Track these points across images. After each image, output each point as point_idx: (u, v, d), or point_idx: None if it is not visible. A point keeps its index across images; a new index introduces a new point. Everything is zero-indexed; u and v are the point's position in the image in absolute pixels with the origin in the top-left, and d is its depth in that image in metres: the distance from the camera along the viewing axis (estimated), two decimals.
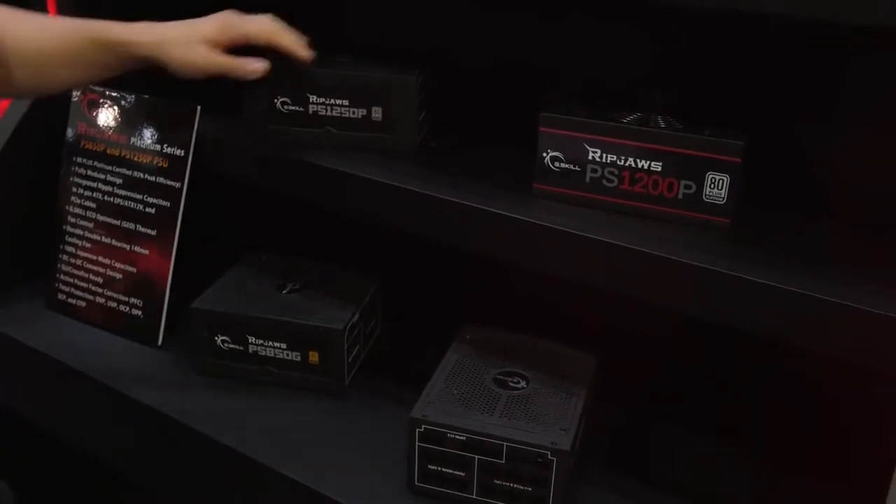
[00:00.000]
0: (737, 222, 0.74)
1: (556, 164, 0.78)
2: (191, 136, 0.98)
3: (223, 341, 0.96)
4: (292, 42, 0.85)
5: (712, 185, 0.73)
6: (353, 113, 0.87)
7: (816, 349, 0.67)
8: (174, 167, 0.99)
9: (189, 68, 0.82)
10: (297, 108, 0.89)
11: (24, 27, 0.81)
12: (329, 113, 0.88)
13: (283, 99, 0.89)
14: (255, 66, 0.84)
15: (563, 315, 0.92)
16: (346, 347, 0.95)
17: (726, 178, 0.72)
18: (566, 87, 0.90)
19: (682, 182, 0.73)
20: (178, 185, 0.99)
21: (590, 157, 0.76)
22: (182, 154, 0.98)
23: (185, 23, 0.84)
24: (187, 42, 0.82)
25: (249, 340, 0.96)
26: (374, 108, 0.87)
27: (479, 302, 1.01)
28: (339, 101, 0.87)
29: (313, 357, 0.95)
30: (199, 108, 0.97)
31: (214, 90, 1.01)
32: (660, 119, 0.77)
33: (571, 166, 0.77)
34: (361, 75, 0.87)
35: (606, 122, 0.75)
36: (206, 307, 0.96)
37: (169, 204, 0.99)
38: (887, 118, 0.80)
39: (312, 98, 0.88)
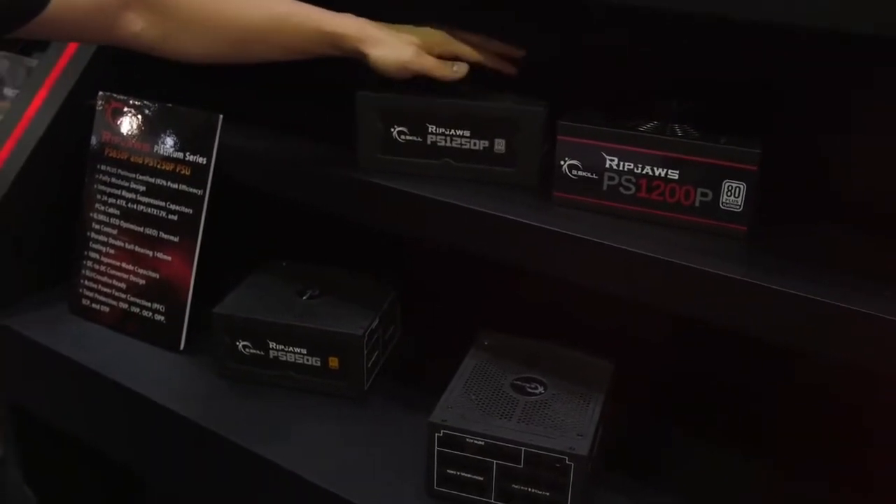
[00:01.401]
0: (754, 229, 0.74)
1: (574, 172, 0.79)
2: (213, 144, 1.00)
3: (244, 346, 0.98)
4: (500, 62, 0.86)
5: (729, 193, 0.73)
6: (475, 144, 0.85)
7: (834, 356, 0.68)
8: (196, 175, 1.01)
9: (392, 66, 0.82)
10: (414, 138, 0.86)
11: (233, 3, 0.83)
12: (448, 144, 0.85)
13: (400, 128, 0.86)
14: (461, 69, 0.83)
15: (581, 321, 0.92)
16: (365, 353, 0.96)
17: (743, 186, 0.73)
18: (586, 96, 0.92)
19: (699, 190, 0.74)
20: (200, 192, 1.01)
21: (607, 166, 0.77)
22: (204, 162, 1.00)
23: (396, 27, 0.85)
24: (399, 43, 0.82)
25: (270, 346, 0.97)
26: (496, 141, 0.84)
27: (497, 308, 1.02)
28: (459, 132, 0.85)
29: (333, 362, 0.96)
30: (221, 116, 0.99)
31: (233, 99, 1.04)
32: (677, 127, 0.78)
33: (589, 174, 0.78)
34: (486, 106, 0.84)
35: (623, 130, 0.76)
36: (227, 313, 0.98)
37: (191, 211, 1.01)
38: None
39: (431, 128, 0.85)
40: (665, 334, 0.93)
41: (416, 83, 0.85)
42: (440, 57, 0.84)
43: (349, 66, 0.86)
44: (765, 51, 0.85)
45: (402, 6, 0.86)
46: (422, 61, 0.82)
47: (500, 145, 0.84)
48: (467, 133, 0.84)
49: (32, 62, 1.26)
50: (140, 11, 0.81)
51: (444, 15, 0.88)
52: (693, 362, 0.95)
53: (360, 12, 0.85)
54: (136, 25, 0.81)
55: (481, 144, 0.84)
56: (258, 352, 0.98)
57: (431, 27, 0.86)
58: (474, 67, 0.85)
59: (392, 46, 0.82)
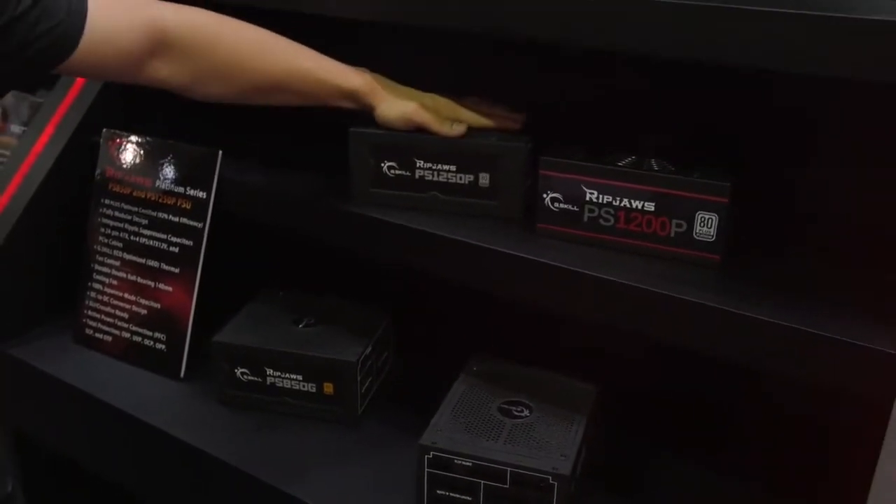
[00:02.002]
0: (727, 258, 0.77)
1: (556, 204, 0.82)
2: (213, 179, 1.03)
3: (242, 373, 1.00)
4: (503, 120, 0.90)
5: (702, 224, 0.77)
6: (461, 179, 0.88)
7: (805, 379, 0.70)
8: (197, 209, 1.04)
9: (394, 118, 0.87)
10: (403, 173, 0.89)
11: (251, 49, 0.88)
12: (436, 178, 0.88)
13: (390, 163, 0.89)
14: (459, 130, 0.88)
15: (566, 346, 0.95)
16: (359, 379, 0.98)
17: (715, 217, 0.76)
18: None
19: (674, 221, 0.78)
20: (200, 225, 1.04)
21: (587, 198, 0.81)
22: (204, 196, 1.04)
23: (404, 89, 0.90)
24: (401, 98, 0.88)
25: (267, 372, 1.00)
26: (481, 175, 0.87)
27: (486, 335, 1.05)
28: (446, 167, 0.88)
29: (328, 388, 0.99)
30: (220, 152, 1.03)
31: (233, 135, 1.08)
32: (653, 162, 0.81)
33: (570, 206, 0.82)
34: (471, 142, 0.87)
35: (602, 165, 0.80)
36: (226, 341, 1.01)
37: (192, 243, 1.04)
38: (869, 156, 0.84)
39: (419, 163, 0.88)
40: (647, 358, 0.95)
41: None
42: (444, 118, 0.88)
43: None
44: (737, 88, 0.89)
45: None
46: (422, 115, 0.87)
47: (484, 179, 0.87)
48: (453, 168, 0.88)
49: (37, 99, 1.30)
50: (166, 60, 0.84)
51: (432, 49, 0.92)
52: (675, 384, 0.97)
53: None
54: (163, 72, 0.85)
55: (466, 178, 0.88)
56: (256, 378, 1.00)
57: (439, 94, 0.90)
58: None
59: (396, 102, 0.87)
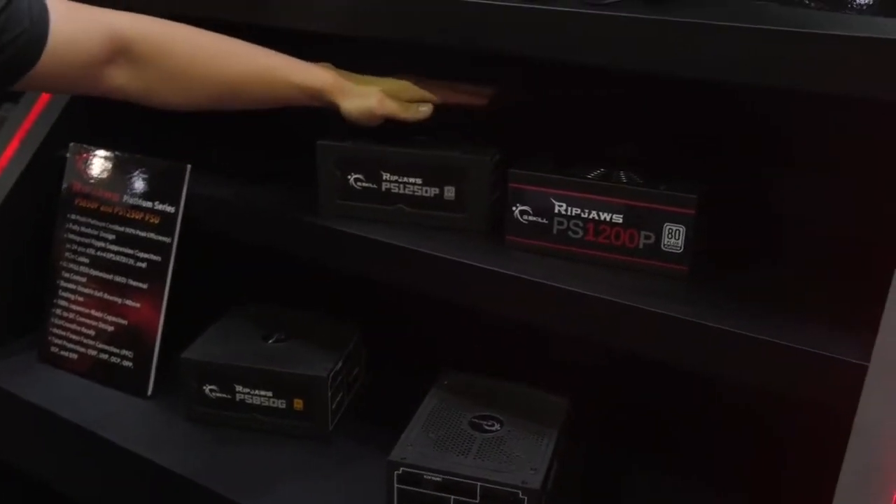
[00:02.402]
0: (695, 269, 0.77)
1: (525, 217, 0.82)
2: (181, 193, 1.02)
3: (211, 390, 0.99)
4: (469, 96, 0.89)
5: (670, 236, 0.77)
6: (426, 192, 0.87)
7: (770, 389, 0.71)
8: (165, 223, 1.03)
9: (360, 114, 0.86)
10: (370, 185, 0.89)
11: (207, 54, 0.87)
12: (402, 191, 0.88)
13: (356, 175, 0.89)
14: (425, 110, 0.87)
15: (537, 359, 0.95)
16: (329, 394, 0.97)
17: (682, 229, 0.76)
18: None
19: (642, 233, 0.78)
20: (168, 240, 1.02)
21: (556, 211, 0.81)
22: (172, 211, 1.02)
23: (365, 78, 0.89)
24: (363, 92, 0.87)
25: (237, 389, 0.99)
26: (446, 188, 0.87)
27: (456, 348, 1.05)
28: (412, 180, 0.88)
29: (298, 404, 0.98)
30: (189, 166, 1.02)
31: (200, 148, 1.07)
32: (622, 174, 0.81)
33: (539, 219, 0.82)
34: (436, 155, 0.87)
35: (570, 177, 0.80)
36: (194, 357, 0.99)
37: (160, 258, 1.03)
38: (838, 163, 0.85)
39: (386, 175, 0.88)
40: (620, 369, 0.95)
41: (376, 133, 0.89)
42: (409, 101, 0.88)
43: (310, 115, 0.90)
44: (706, 98, 0.89)
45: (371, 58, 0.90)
46: (385, 106, 0.86)
47: (449, 192, 0.87)
48: (419, 181, 0.87)
49: (1, 114, 1.28)
50: (122, 67, 0.84)
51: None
52: (649, 395, 0.97)
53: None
54: (120, 80, 0.84)
55: (432, 191, 0.87)
56: (225, 395, 0.99)
57: (398, 77, 0.89)
58: (442, 109, 0.88)
59: (359, 96, 0.86)
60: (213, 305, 1.10)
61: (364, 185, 0.89)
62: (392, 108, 0.87)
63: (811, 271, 0.81)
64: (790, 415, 0.85)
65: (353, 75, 0.89)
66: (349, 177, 0.89)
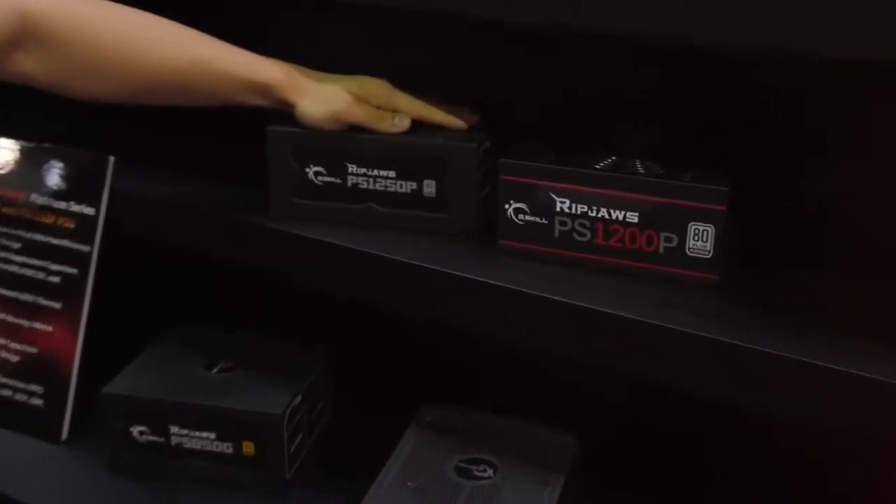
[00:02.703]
0: (727, 278, 0.77)
1: (521, 216, 0.82)
2: (103, 191, 1.02)
3: (140, 433, 0.99)
4: (444, 119, 0.89)
5: (696, 237, 0.77)
6: (401, 187, 0.87)
7: (823, 424, 0.70)
8: (83, 228, 1.02)
9: (321, 117, 0.87)
10: (333, 180, 0.89)
11: (137, 38, 0.86)
12: (372, 186, 0.88)
13: (316, 168, 0.89)
14: (402, 123, 0.88)
15: (538, 389, 0.95)
16: (286, 436, 0.97)
17: (711, 229, 0.76)
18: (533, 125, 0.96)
19: (662, 234, 0.77)
20: (87, 248, 1.02)
21: (558, 209, 0.80)
22: (92, 213, 1.02)
23: (328, 76, 0.89)
24: (328, 93, 0.87)
25: (171, 431, 0.98)
26: (425, 182, 0.87)
27: (440, 377, 1.05)
28: (383, 173, 0.87)
29: (248, 448, 0.98)
30: (112, 158, 1.02)
31: (127, 137, 1.06)
32: (637, 163, 0.81)
33: (537, 219, 0.81)
34: (413, 142, 0.86)
35: (574, 167, 0.80)
36: (119, 392, 0.99)
37: (76, 272, 1.02)
38: (888, 155, 0.85)
39: (352, 168, 0.89)
40: (636, 401, 0.95)
41: None
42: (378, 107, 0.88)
43: None
44: (739, 74, 0.89)
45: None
46: (355, 111, 0.86)
47: (429, 187, 0.87)
48: (392, 174, 0.87)
49: None
50: (31, 51, 0.84)
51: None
52: (671, 432, 0.97)
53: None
54: (26, 65, 0.84)
55: (408, 186, 0.87)
56: (158, 438, 0.99)
57: (368, 78, 0.89)
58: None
59: (323, 97, 0.86)
60: (144, 328, 1.10)
61: (326, 179, 0.89)
62: (362, 114, 0.87)
63: (860, 278, 0.80)
64: (838, 453, 0.85)
65: (313, 72, 0.89)
66: (307, 170, 0.89)
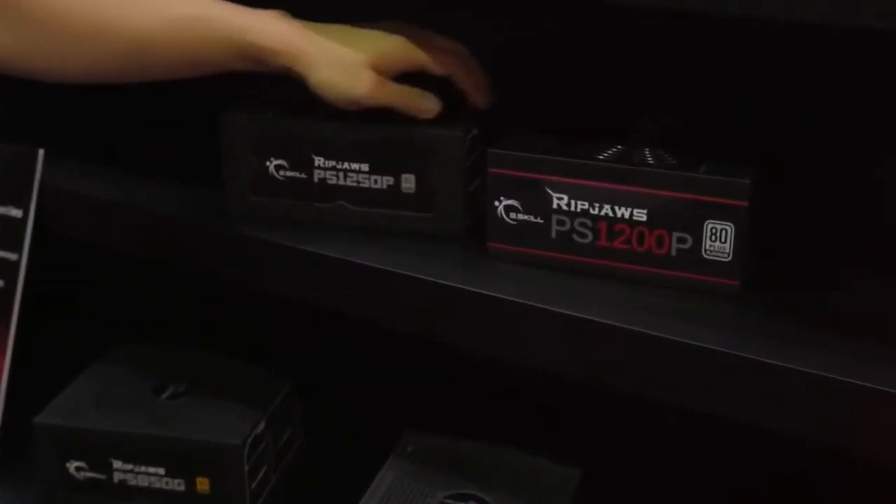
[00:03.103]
0: (749, 284, 0.77)
1: (513, 215, 0.82)
2: (31, 189, 1.01)
3: (78, 468, 0.98)
4: (475, 83, 0.88)
5: (713, 238, 0.76)
6: (376, 182, 0.88)
7: (863, 450, 0.70)
8: (8, 233, 1.02)
9: (340, 99, 0.83)
10: (297, 175, 0.88)
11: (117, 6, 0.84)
12: (342, 181, 0.88)
13: (277, 161, 0.89)
14: (430, 106, 0.85)
15: (535, 414, 0.95)
16: (247, 470, 0.97)
17: (730, 228, 0.75)
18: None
19: (675, 234, 0.77)
20: (14, 257, 1.02)
21: (555, 206, 0.80)
22: (20, 215, 1.01)
23: (343, 32, 0.85)
24: (349, 64, 0.83)
25: (114, 466, 0.98)
26: (403, 176, 0.87)
27: (425, 401, 1.05)
28: (355, 166, 0.87)
29: (202, 484, 0.98)
30: (41, 151, 1.01)
31: (60, 126, 1.06)
32: (647, 152, 0.81)
33: (531, 218, 0.81)
34: (388, 131, 0.86)
35: (573, 158, 0.79)
36: (52, 422, 0.99)
37: (2, 283, 1.02)
38: None
39: (319, 161, 0.88)
40: (648, 426, 0.95)
41: (304, 99, 0.88)
42: (404, 71, 0.85)
43: (218, 78, 0.90)
44: (770, 47, 0.89)
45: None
46: (379, 95, 0.83)
47: (408, 182, 0.86)
48: (365, 167, 0.87)
49: None
50: None
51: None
52: (688, 460, 0.97)
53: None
54: None
55: (385, 182, 0.87)
56: (98, 475, 0.98)
57: (389, 27, 0.86)
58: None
59: (340, 69, 0.83)
60: (83, 347, 1.10)
61: (289, 174, 0.89)
62: (389, 96, 0.84)
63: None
64: (874, 480, 0.85)
65: (322, 27, 0.85)
66: (268, 163, 0.89)
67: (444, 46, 0.88)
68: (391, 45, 0.85)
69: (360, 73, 0.83)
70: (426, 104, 0.85)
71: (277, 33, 0.83)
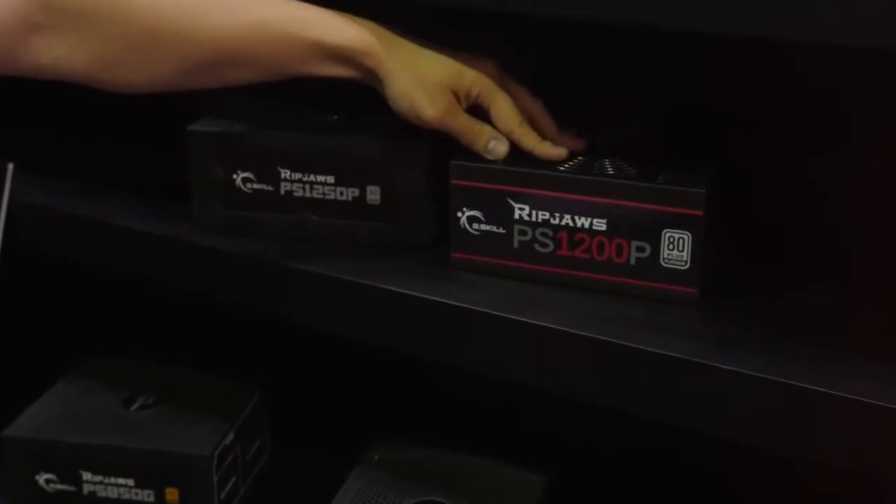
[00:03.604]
0: (707, 292, 0.78)
1: (476, 226, 0.82)
2: (0, 203, 1.01)
3: (48, 481, 0.98)
4: (537, 143, 0.84)
5: (671, 246, 0.77)
6: (342, 194, 0.88)
7: (820, 457, 0.71)
8: None
9: (417, 113, 0.81)
10: (264, 187, 0.88)
11: (183, 5, 0.80)
12: (308, 194, 0.88)
13: (244, 174, 0.88)
14: (499, 150, 0.83)
15: (500, 423, 0.95)
16: (216, 480, 0.97)
17: (687, 237, 0.76)
18: None
19: (634, 244, 0.78)
20: None
21: (516, 216, 0.80)
22: None
23: (428, 50, 0.83)
24: (431, 83, 0.81)
25: (84, 478, 0.98)
26: (369, 188, 0.87)
27: (392, 411, 1.05)
28: (321, 178, 0.87)
29: (172, 495, 0.97)
30: (11, 165, 1.01)
31: (30, 139, 1.06)
32: (607, 164, 0.82)
33: (494, 228, 0.81)
34: (354, 143, 0.86)
35: (533, 169, 0.80)
36: (21, 435, 0.98)
37: None
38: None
39: (285, 173, 0.88)
40: (612, 434, 0.96)
41: (270, 112, 0.88)
42: (472, 101, 0.84)
43: (185, 92, 0.89)
44: (728, 62, 0.90)
45: None
46: (449, 121, 0.82)
47: (373, 194, 0.87)
48: (331, 179, 0.87)
49: None
50: (55, 36, 0.79)
51: None
52: (650, 469, 0.98)
53: None
54: (51, 53, 0.79)
55: (350, 193, 0.87)
56: (67, 487, 0.98)
57: (475, 61, 0.85)
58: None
59: (419, 85, 0.81)
60: (51, 362, 1.09)
61: (255, 186, 0.89)
62: (457, 126, 0.82)
63: (855, 288, 0.81)
64: (834, 485, 0.86)
65: (408, 41, 0.83)
66: (235, 176, 0.89)
67: (516, 91, 0.86)
68: (473, 77, 0.83)
69: (439, 94, 0.82)
70: (495, 148, 0.83)
71: (366, 36, 0.81)
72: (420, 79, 0.81)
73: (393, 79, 0.81)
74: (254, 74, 0.83)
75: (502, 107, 0.83)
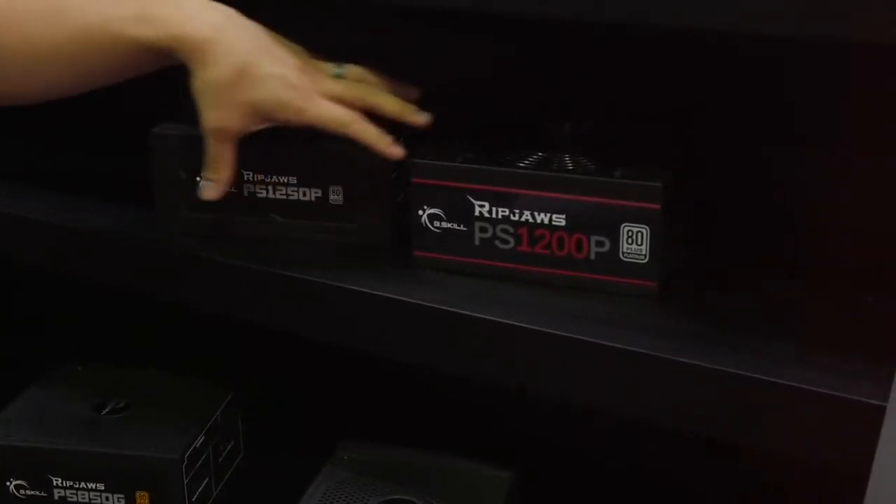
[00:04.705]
0: (667, 285, 0.77)
1: (437, 223, 0.82)
2: None
3: (17, 487, 0.97)
4: (376, 137, 0.82)
5: (630, 240, 0.76)
6: (304, 195, 0.87)
7: (771, 447, 0.70)
8: None
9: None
10: (227, 190, 0.86)
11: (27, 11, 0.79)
12: (272, 195, 0.88)
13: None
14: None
15: (467, 421, 0.95)
16: (186, 483, 0.96)
17: (646, 231, 0.75)
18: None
19: (593, 238, 0.77)
20: None
21: (477, 213, 0.80)
22: None
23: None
24: (227, 96, 0.79)
25: (54, 483, 0.97)
26: (331, 189, 0.86)
27: (362, 411, 1.04)
28: (284, 180, 0.87)
29: (142, 499, 0.97)
30: None
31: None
32: (567, 159, 0.81)
33: (456, 226, 0.81)
34: (315, 145, 0.85)
35: (492, 166, 0.79)
36: None
37: None
38: (866, 138, 0.85)
39: (248, 175, 0.87)
40: (576, 430, 0.95)
41: None
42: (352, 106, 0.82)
43: (149, 94, 0.89)
44: (688, 58, 0.90)
45: None
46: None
47: (336, 194, 0.86)
48: (294, 180, 0.87)
49: None
50: None
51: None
52: (614, 463, 0.98)
53: None
54: None
55: (313, 194, 0.87)
56: (38, 493, 0.97)
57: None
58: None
59: (214, 92, 0.79)
60: (22, 368, 1.09)
61: None
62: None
63: (812, 283, 0.81)
64: (797, 478, 0.85)
65: (279, 42, 0.82)
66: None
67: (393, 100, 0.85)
68: (343, 84, 0.83)
69: (227, 107, 0.80)
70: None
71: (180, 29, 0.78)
72: (220, 84, 0.78)
73: (198, 72, 0.78)
74: (95, 79, 0.82)
75: (383, 102, 0.83)
